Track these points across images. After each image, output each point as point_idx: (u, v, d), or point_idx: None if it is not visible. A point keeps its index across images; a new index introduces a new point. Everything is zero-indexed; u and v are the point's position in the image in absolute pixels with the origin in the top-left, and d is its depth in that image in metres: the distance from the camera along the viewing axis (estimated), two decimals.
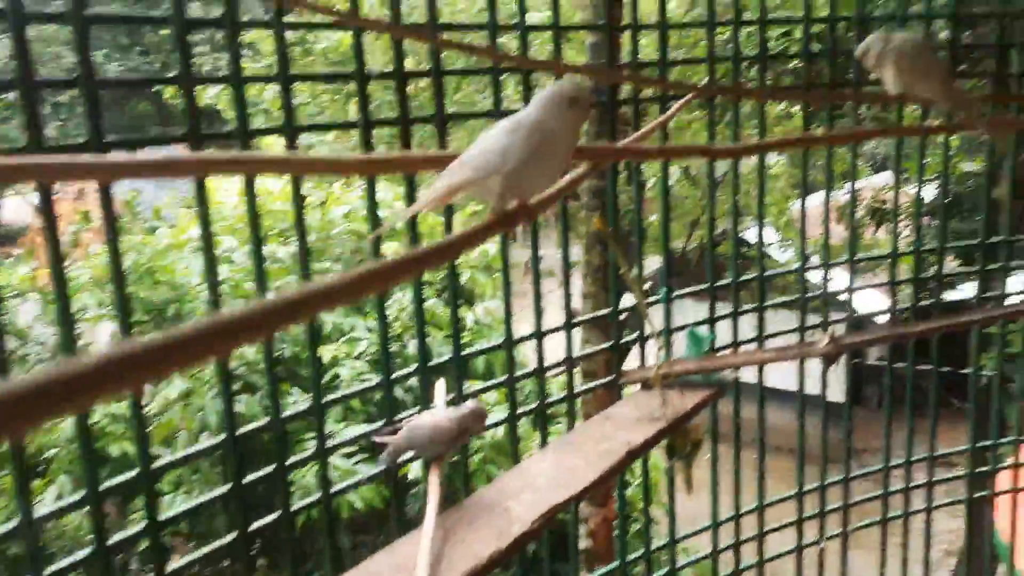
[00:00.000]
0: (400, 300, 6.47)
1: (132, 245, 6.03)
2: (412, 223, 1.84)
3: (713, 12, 2.26)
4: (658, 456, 7.44)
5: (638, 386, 2.24)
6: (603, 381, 2.25)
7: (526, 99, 1.92)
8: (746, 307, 2.46)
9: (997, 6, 2.61)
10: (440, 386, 1.88)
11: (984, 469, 2.92)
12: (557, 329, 2.12)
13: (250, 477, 1.61)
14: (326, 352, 5.76)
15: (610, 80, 1.85)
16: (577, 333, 2.62)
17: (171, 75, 1.38)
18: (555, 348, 2.12)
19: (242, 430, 1.61)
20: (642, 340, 2.26)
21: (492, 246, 6.84)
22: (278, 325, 0.67)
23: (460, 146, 1.09)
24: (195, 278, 5.86)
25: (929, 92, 1.54)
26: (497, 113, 1.90)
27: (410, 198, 1.88)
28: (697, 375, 2.19)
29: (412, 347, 6.09)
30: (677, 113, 1.61)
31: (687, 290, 2.38)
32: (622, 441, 1.82)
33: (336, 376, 5.93)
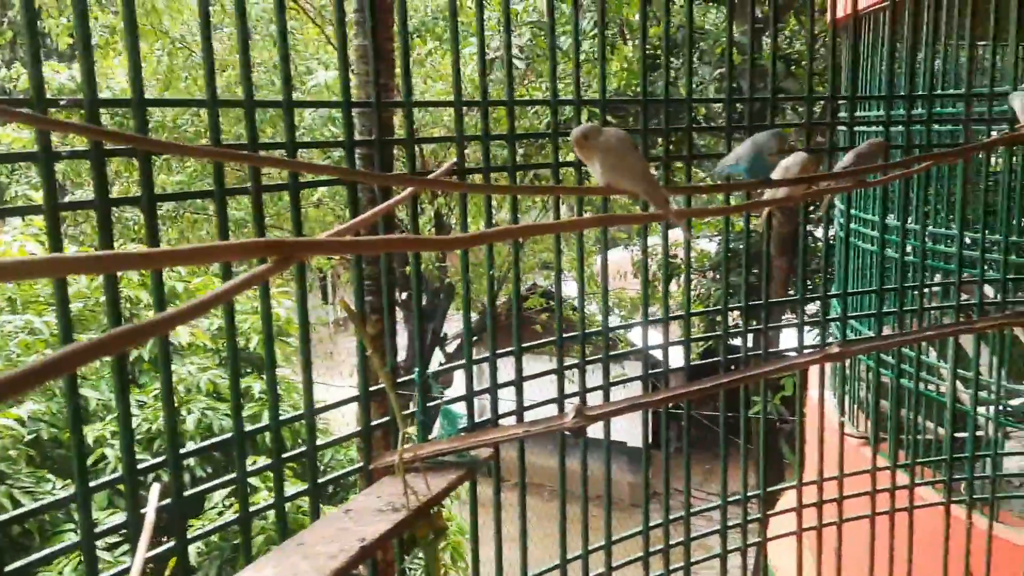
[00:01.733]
0: (178, 371, 6.05)
1: None
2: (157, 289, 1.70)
3: (460, 91, 2.30)
4: (461, 519, 7.27)
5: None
6: (352, 469, 2.16)
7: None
8: (503, 381, 2.48)
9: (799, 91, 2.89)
10: (154, 492, 1.71)
11: (754, 516, 3.08)
12: (298, 417, 2.02)
13: None
14: (91, 432, 5.24)
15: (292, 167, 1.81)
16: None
17: None
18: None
19: None
20: (393, 422, 2.20)
21: (283, 310, 6.59)
22: None
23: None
24: None
25: (630, 185, 1.62)
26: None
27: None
28: (451, 455, 2.15)
29: (190, 422, 5.69)
30: (399, 203, 1.59)
31: (447, 366, 2.37)
32: (356, 537, 1.73)
33: (103, 457, 5.41)
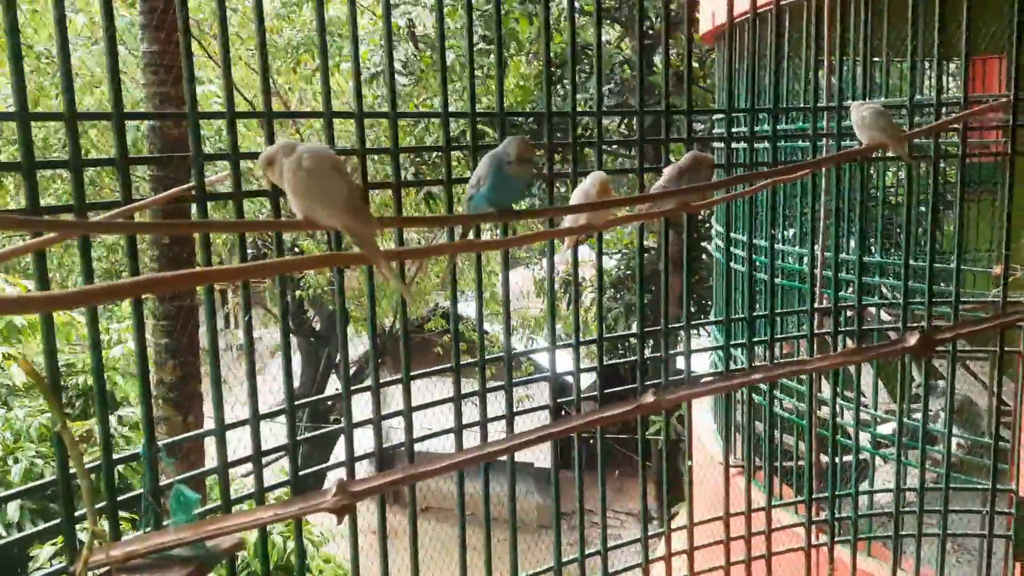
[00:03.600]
0: (6, 415, 5.46)
1: None
2: None
3: (270, 103, 1.97)
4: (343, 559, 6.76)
5: None
6: (51, 571, 1.75)
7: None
8: (304, 436, 2.15)
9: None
10: None
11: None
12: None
13: None
14: None
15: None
16: None
17: None
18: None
19: None
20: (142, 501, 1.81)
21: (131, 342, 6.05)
22: None
23: None
24: None
25: (329, 218, 1.27)
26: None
27: None
28: (180, 548, 1.75)
29: (16, 472, 5.10)
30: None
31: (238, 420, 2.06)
32: None
33: None
